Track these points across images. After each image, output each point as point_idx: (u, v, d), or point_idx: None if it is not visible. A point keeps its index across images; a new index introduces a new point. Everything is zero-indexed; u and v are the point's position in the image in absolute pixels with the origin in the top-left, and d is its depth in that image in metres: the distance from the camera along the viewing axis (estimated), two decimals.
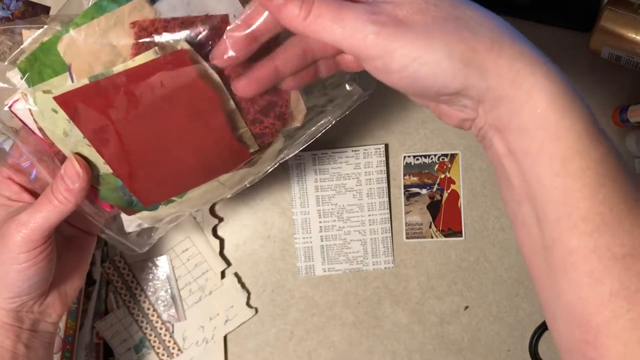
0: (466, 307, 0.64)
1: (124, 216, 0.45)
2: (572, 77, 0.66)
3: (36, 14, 0.60)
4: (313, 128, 0.45)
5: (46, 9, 0.60)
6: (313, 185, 0.64)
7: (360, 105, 0.63)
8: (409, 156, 0.63)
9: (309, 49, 0.36)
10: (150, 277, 0.62)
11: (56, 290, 0.47)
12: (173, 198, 0.44)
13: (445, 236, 0.63)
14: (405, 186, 0.63)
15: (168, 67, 0.36)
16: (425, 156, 0.63)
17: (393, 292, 0.64)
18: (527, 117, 0.31)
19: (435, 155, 0.63)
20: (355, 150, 0.63)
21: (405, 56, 0.31)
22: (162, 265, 0.62)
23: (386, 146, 0.63)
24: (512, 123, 0.32)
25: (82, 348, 0.61)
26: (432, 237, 0.63)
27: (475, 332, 0.64)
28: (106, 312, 0.62)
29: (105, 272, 0.62)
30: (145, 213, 0.44)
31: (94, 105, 0.37)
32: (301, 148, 0.46)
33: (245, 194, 0.64)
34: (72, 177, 0.39)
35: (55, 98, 0.37)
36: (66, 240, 0.48)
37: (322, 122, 0.45)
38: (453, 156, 0.63)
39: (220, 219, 0.64)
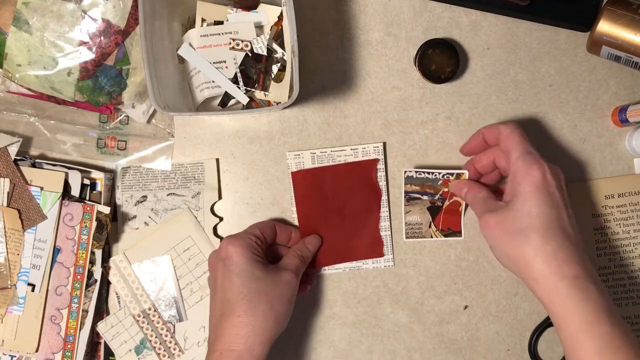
0: (466, 307, 0.64)
1: None
2: (572, 77, 0.67)
3: None
4: None
5: None
6: None
7: (360, 105, 0.64)
8: (410, 171, 0.60)
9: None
10: (152, 277, 0.63)
11: None
12: None
13: (445, 236, 0.63)
14: (407, 192, 0.62)
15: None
16: (429, 173, 0.60)
17: (393, 292, 0.64)
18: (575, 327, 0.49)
19: (439, 172, 0.60)
20: (354, 149, 0.63)
21: (491, 243, 0.54)
22: (164, 265, 0.63)
23: (384, 144, 0.64)
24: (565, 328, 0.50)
25: (83, 347, 0.61)
26: (431, 237, 0.64)
27: (474, 331, 0.64)
28: (107, 312, 0.63)
29: (106, 272, 0.62)
30: None
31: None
32: None
33: (245, 194, 0.64)
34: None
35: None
36: None
37: None
38: (459, 175, 0.60)
39: (221, 219, 0.64)
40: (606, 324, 0.47)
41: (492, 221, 0.53)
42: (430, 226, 0.63)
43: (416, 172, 0.60)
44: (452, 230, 0.63)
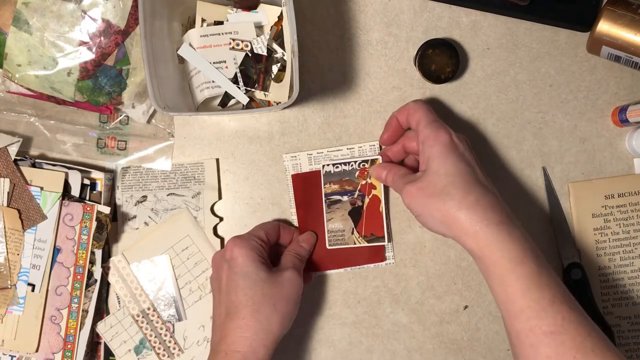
0: (465, 307, 0.64)
1: None
2: (572, 77, 0.67)
3: None
4: None
5: None
6: None
7: (360, 105, 0.64)
8: (327, 165, 0.62)
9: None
10: (150, 277, 0.63)
11: None
12: None
13: (368, 242, 0.61)
14: (327, 195, 0.62)
15: None
16: (345, 163, 0.62)
17: (393, 292, 0.64)
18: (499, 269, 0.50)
19: (355, 161, 0.62)
20: (350, 148, 0.63)
21: (417, 211, 0.54)
22: (162, 265, 0.63)
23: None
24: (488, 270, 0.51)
25: (83, 347, 0.61)
26: (354, 244, 0.61)
27: (474, 331, 0.64)
28: (107, 312, 0.63)
29: (106, 272, 0.62)
30: None
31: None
32: None
33: (245, 194, 0.64)
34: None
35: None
36: None
37: None
38: (374, 161, 0.61)
39: (221, 219, 0.64)
40: (532, 263, 0.49)
41: (413, 189, 0.54)
42: (352, 232, 0.61)
43: (334, 165, 0.62)
44: (375, 236, 0.61)
